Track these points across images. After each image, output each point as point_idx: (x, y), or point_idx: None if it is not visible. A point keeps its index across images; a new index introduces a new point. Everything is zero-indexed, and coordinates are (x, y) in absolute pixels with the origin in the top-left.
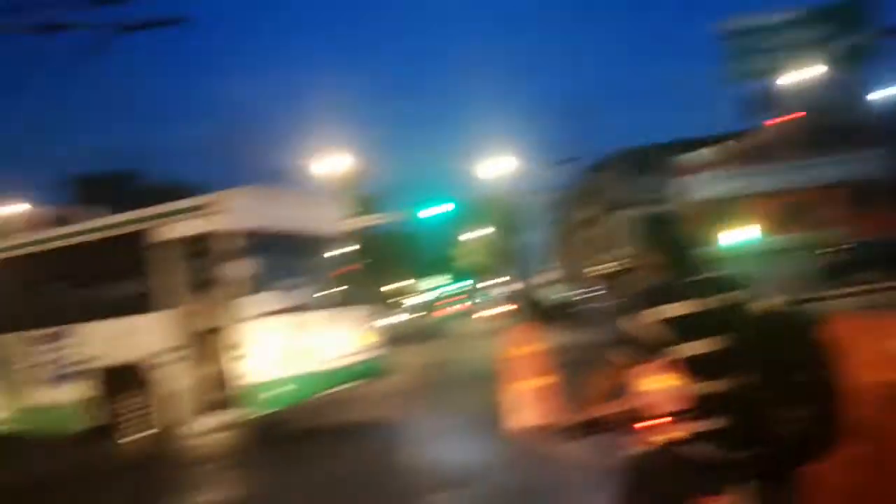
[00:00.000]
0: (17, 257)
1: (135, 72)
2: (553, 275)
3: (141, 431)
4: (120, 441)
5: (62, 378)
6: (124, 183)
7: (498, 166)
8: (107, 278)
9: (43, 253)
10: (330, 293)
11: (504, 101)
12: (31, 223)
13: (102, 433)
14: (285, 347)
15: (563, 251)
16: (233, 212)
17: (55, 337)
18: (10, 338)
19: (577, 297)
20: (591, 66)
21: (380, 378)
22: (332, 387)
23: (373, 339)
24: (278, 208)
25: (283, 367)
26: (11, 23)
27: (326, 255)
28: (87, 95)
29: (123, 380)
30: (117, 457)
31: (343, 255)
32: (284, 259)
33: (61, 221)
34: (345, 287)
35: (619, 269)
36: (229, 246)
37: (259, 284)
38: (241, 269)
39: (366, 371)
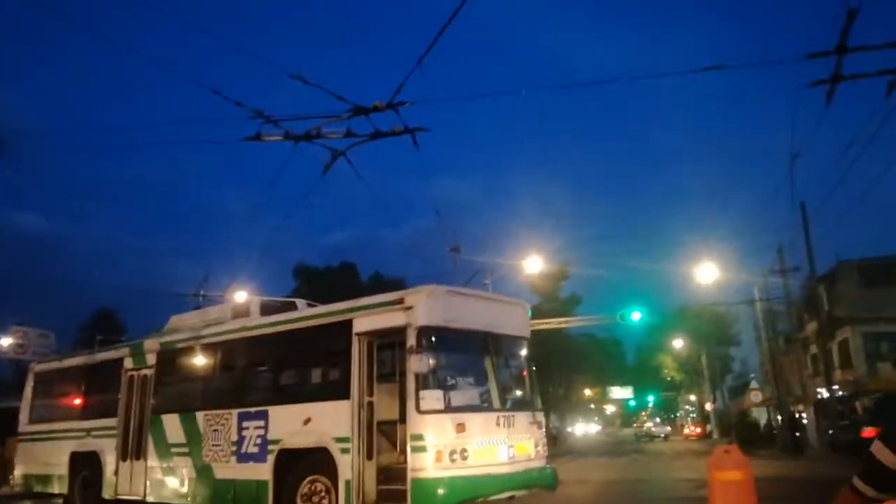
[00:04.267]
0: (226, 341)
1: (364, 174)
2: (761, 395)
3: None
4: None
5: (251, 456)
6: (343, 277)
7: (706, 274)
8: (302, 365)
9: (248, 339)
10: (510, 395)
11: (718, 200)
12: (241, 311)
13: None
14: (460, 445)
15: (774, 370)
16: (423, 308)
17: (250, 417)
18: (209, 415)
19: (789, 423)
20: (826, 166)
21: (552, 488)
22: (503, 491)
23: (546, 446)
24: (467, 307)
25: (459, 465)
26: (274, 133)
27: (510, 356)
28: (321, 197)
29: (308, 462)
30: None
31: (526, 357)
32: (469, 357)
33: (268, 310)
34: (525, 390)
35: (846, 392)
36: (417, 340)
37: (443, 380)
38: (426, 363)
39: (540, 479)
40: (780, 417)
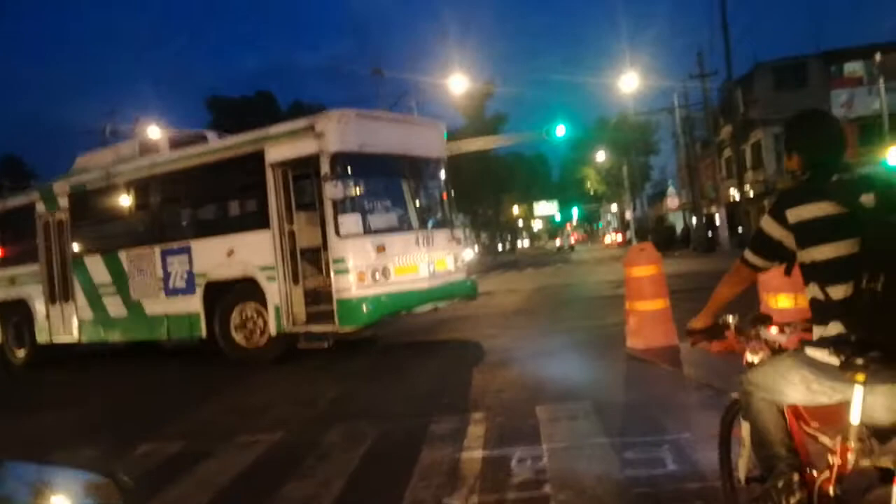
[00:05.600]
0: (139, 178)
1: None
2: (678, 200)
3: (253, 339)
4: (233, 345)
5: (179, 290)
6: (260, 107)
7: (626, 84)
8: (219, 198)
9: (160, 174)
10: (428, 215)
11: (636, 9)
12: (151, 146)
13: (218, 340)
14: (380, 265)
15: (690, 174)
16: (335, 133)
17: (173, 252)
18: (131, 253)
19: (704, 224)
20: None
21: (472, 298)
22: (426, 303)
23: (467, 260)
24: (380, 131)
25: (382, 283)
26: None
27: (426, 177)
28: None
29: (237, 292)
30: (233, 358)
31: (443, 177)
32: (385, 180)
33: (178, 144)
34: (443, 209)
35: (756, 192)
36: (331, 167)
37: (360, 204)
38: (341, 189)
39: (460, 290)
40: (694, 220)
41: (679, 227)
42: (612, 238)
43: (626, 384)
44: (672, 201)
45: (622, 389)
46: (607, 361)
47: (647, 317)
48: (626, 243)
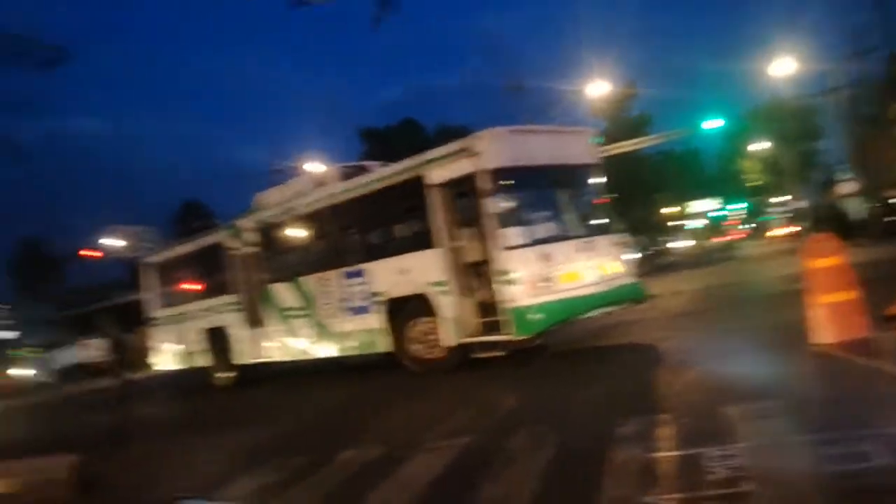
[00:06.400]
0: (315, 210)
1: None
2: (851, 186)
3: (430, 351)
4: (413, 358)
5: (361, 309)
6: (407, 134)
7: (782, 67)
8: (389, 221)
9: (335, 204)
10: (587, 221)
11: None
12: (323, 180)
13: (397, 354)
14: (546, 273)
15: (863, 158)
16: (489, 151)
17: (352, 275)
18: (314, 278)
19: (882, 208)
20: None
21: (641, 301)
22: (594, 309)
23: (630, 263)
24: (532, 144)
25: (549, 291)
26: None
27: (581, 184)
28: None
29: (412, 308)
30: (413, 370)
31: (598, 182)
32: (541, 191)
33: (346, 176)
34: (601, 214)
35: None
36: (489, 183)
37: (520, 216)
38: (502, 203)
39: (628, 293)
40: (870, 205)
41: (853, 214)
42: (779, 231)
43: (816, 380)
44: (845, 186)
45: (813, 386)
46: (792, 358)
47: (834, 309)
48: (794, 236)
